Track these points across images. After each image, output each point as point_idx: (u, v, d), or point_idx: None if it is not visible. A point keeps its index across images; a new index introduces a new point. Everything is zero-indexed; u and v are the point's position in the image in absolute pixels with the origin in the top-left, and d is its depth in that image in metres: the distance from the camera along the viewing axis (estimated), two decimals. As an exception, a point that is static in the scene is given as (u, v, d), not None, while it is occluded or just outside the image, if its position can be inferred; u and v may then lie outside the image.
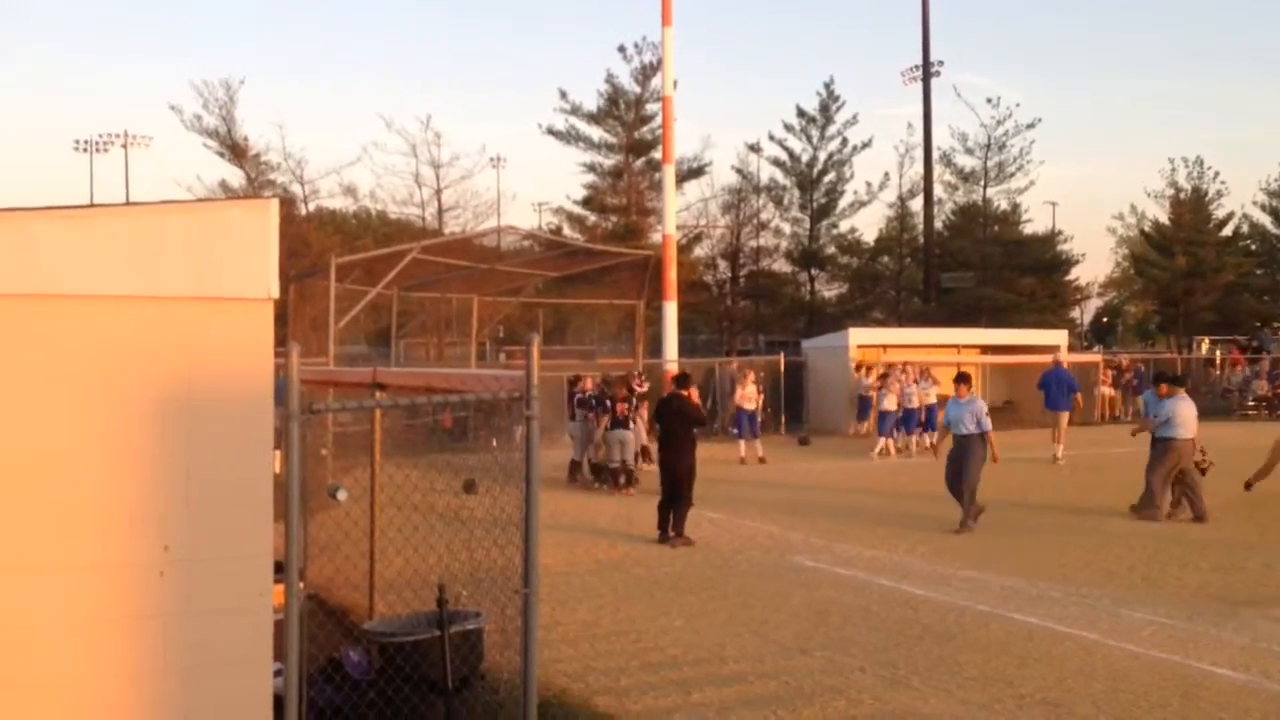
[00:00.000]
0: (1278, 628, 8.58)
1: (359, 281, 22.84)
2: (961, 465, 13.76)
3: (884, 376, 24.76)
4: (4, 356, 3.90)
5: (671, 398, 14.00)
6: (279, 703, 4.50)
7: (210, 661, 4.11)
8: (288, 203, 44.16)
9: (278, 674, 4.56)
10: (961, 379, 14.50)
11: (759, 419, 22.88)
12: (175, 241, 4.15)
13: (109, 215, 4.28)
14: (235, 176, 46.30)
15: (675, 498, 13.04)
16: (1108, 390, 32.94)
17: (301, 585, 4.76)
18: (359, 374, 9.06)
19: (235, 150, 46.09)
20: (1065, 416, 22.41)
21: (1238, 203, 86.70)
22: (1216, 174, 57.09)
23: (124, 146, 61.63)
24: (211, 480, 4.13)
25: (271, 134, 69.68)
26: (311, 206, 48.98)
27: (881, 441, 23.22)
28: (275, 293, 4.27)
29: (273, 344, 4.34)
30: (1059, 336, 36.21)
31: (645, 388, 19.80)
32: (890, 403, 23.41)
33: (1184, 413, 14.55)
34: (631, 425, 18.09)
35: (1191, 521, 14.10)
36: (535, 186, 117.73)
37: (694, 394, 14.48)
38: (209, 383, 4.15)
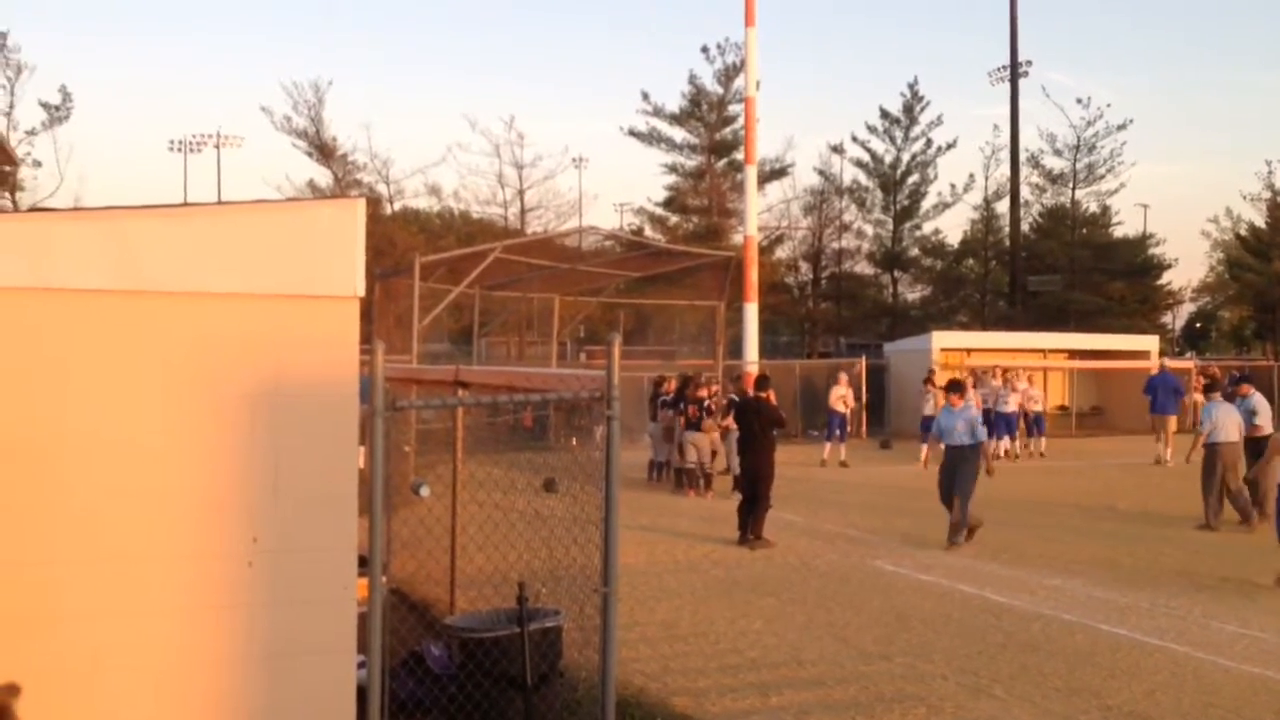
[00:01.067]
0: (1380, 645, 8.28)
1: (442, 280, 23.10)
2: (954, 477, 12.89)
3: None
4: (103, 351, 4.02)
5: (751, 399, 14.01)
6: (362, 693, 4.57)
7: (296, 651, 4.19)
8: (373, 202, 44.94)
9: (361, 665, 4.63)
10: (954, 387, 13.88)
11: (848, 423, 22.69)
12: (266, 240, 4.24)
13: (203, 214, 4.38)
14: (323, 176, 47.25)
15: (754, 499, 13.04)
16: (1200, 398, 32.05)
17: (384, 579, 4.83)
18: (442, 372, 9.16)
19: (323, 150, 47.01)
20: (1173, 420, 22.62)
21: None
22: (1316, 175, 55.33)
23: (217, 147, 63.03)
24: (299, 474, 4.21)
25: (358, 134, 71.13)
26: (397, 206, 49.83)
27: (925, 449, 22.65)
28: (361, 291, 4.33)
29: (358, 341, 4.40)
30: (1150, 342, 35.34)
31: (712, 391, 19.43)
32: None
33: (1219, 417, 14.52)
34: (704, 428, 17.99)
35: (1239, 524, 14.02)
36: (617, 187, 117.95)
37: (772, 396, 14.43)
38: (297, 379, 4.23)
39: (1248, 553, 12.20)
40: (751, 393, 14.44)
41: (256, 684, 4.16)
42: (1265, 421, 14.80)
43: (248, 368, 4.18)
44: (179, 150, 64.38)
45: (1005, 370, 24.69)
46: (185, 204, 4.80)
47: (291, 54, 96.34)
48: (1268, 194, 55.53)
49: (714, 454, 18.67)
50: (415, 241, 40.95)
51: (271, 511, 4.17)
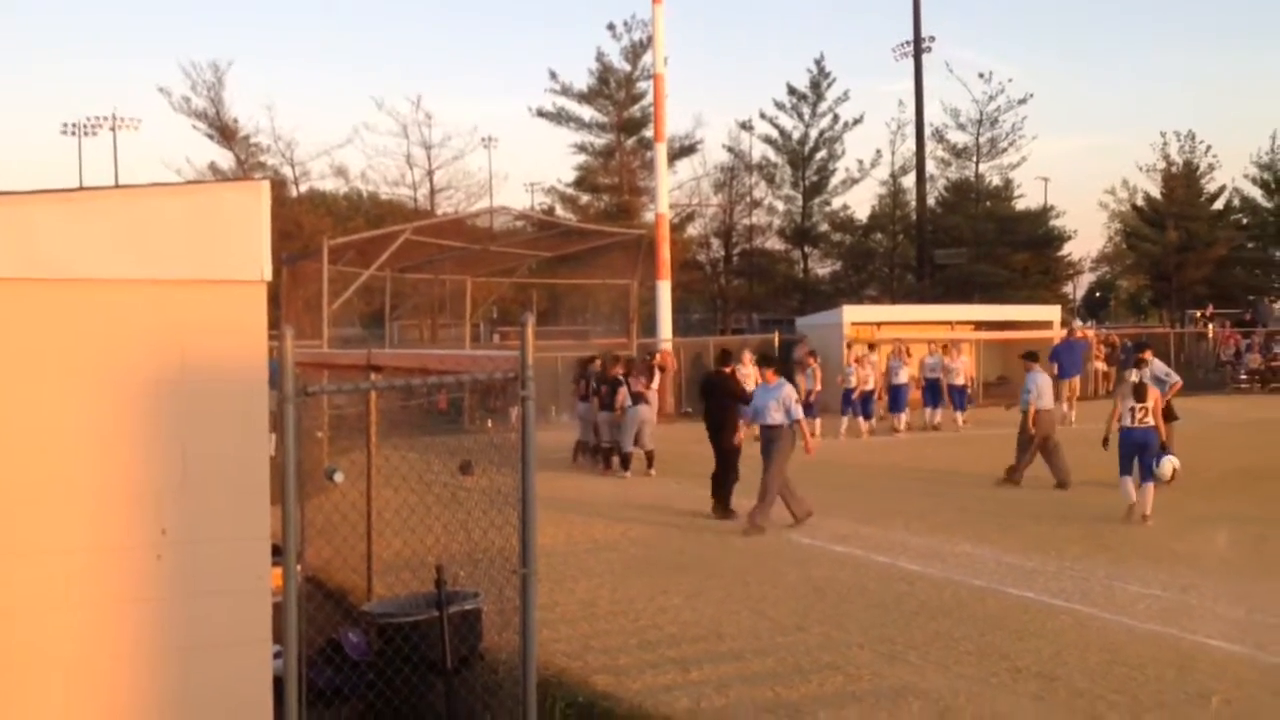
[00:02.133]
0: (1273, 600, 8.62)
1: (352, 263, 22.81)
2: (765, 458, 12.54)
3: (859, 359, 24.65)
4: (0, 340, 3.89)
5: (715, 375, 14.26)
6: (279, 684, 4.51)
7: (209, 644, 4.11)
8: (278, 185, 44.05)
9: (277, 656, 4.57)
10: (765, 361, 13.78)
11: None
12: (167, 224, 4.13)
13: (100, 198, 4.25)
14: (225, 159, 46.24)
15: (726, 469, 13.40)
16: (1101, 366, 32.97)
17: (299, 568, 4.75)
18: (353, 356, 9.06)
19: (224, 132, 45.97)
20: (1077, 383, 24.15)
21: (1229, 176, 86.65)
22: (1208, 148, 57.10)
23: (112, 129, 61.31)
24: (207, 463, 4.12)
25: (261, 116, 69.39)
26: (303, 188, 48.93)
27: (846, 421, 23.08)
28: (268, 275, 4.25)
29: (266, 327, 4.32)
30: (1052, 312, 36.24)
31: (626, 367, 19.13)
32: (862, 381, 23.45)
33: (1040, 386, 15.45)
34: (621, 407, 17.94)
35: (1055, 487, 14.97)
36: (527, 167, 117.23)
37: (735, 371, 14.66)
38: (203, 366, 4.14)
39: (1156, 515, 12.60)
40: (717, 368, 14.76)
41: (170, 677, 4.08)
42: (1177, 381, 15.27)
43: (151, 355, 4.08)
44: (72, 133, 62.49)
45: (899, 342, 25.26)
46: (82, 188, 4.66)
47: (189, 33, 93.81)
48: (1163, 165, 57.19)
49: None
50: (323, 224, 40.32)
51: (180, 502, 4.08)
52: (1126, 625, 8.03)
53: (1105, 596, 8.89)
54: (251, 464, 4.22)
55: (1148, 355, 15.35)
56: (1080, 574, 9.72)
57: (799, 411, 12.59)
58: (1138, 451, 12.56)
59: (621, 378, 17.99)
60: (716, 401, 13.88)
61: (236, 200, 4.25)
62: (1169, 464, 12.97)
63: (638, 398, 17.68)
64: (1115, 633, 7.83)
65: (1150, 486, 12.31)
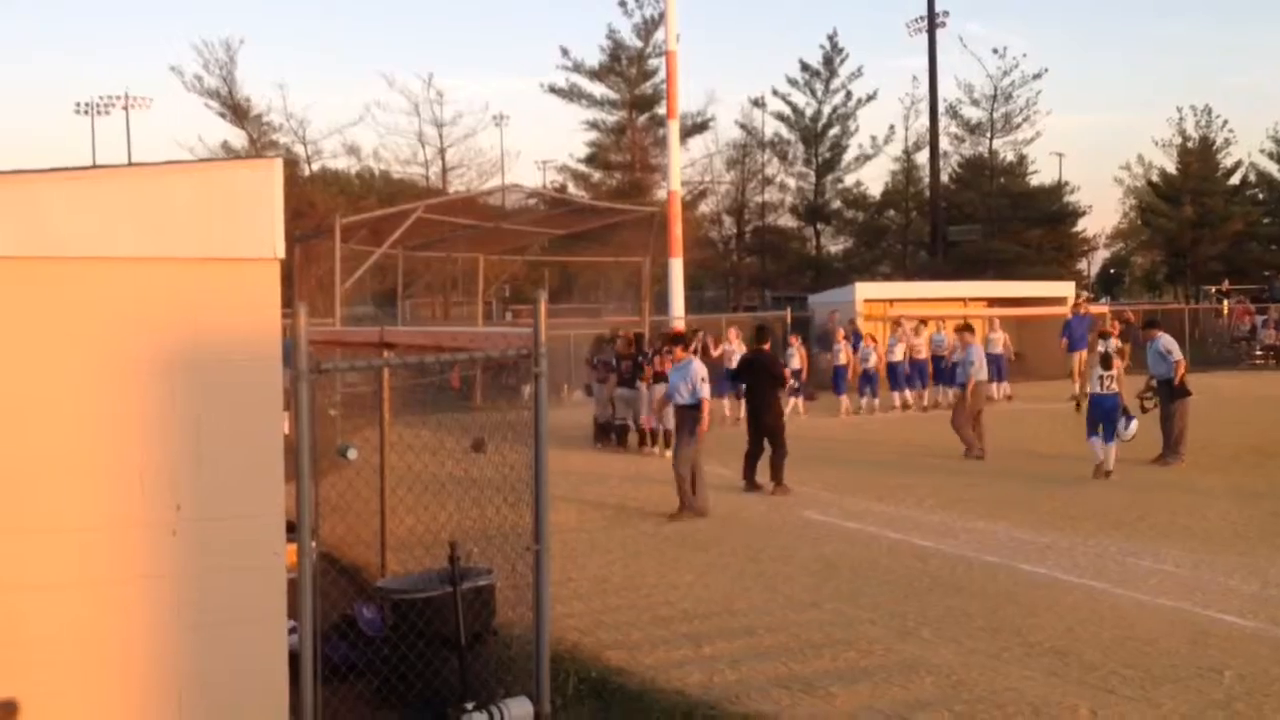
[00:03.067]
0: (1286, 575, 8.61)
1: (364, 242, 22.79)
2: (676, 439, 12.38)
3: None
4: (15, 319, 3.91)
5: (758, 353, 14.17)
6: (294, 659, 4.55)
7: (225, 620, 4.15)
8: (291, 164, 44.12)
9: (292, 631, 4.61)
10: (676, 339, 13.59)
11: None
12: (180, 202, 4.14)
13: (114, 176, 4.26)
14: (237, 138, 46.30)
15: (775, 448, 13.35)
16: (1115, 342, 32.86)
17: (314, 544, 4.79)
18: (366, 333, 9.08)
19: (237, 111, 46.03)
20: (1082, 355, 23.71)
21: (1245, 151, 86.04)
22: (1225, 122, 56.78)
23: (125, 108, 61.30)
24: (222, 440, 4.15)
25: (273, 94, 69.34)
26: (315, 167, 48.99)
27: (845, 400, 23.15)
28: (281, 253, 4.26)
29: (280, 304, 4.34)
30: (1066, 288, 36.08)
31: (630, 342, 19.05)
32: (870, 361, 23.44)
33: (979, 358, 16.21)
34: (639, 385, 17.95)
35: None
36: (539, 144, 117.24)
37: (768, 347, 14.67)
38: (218, 344, 4.16)
39: (1163, 491, 12.61)
40: (755, 346, 14.52)
41: (186, 653, 4.11)
42: (1177, 359, 15.16)
43: (166, 333, 4.10)
44: (86, 113, 62.55)
45: (900, 319, 25.28)
46: (96, 166, 4.67)
47: (201, 12, 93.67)
48: (1178, 140, 56.81)
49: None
50: (335, 203, 40.34)
51: (195, 479, 4.11)
52: (1139, 600, 8.03)
53: (1118, 572, 8.89)
54: (266, 441, 4.24)
55: (1154, 333, 15.33)
56: (1093, 550, 9.71)
57: (706, 391, 12.18)
58: (1104, 416, 13.69)
59: (648, 355, 17.97)
60: (757, 379, 13.82)
61: (249, 178, 4.27)
62: (1134, 426, 13.95)
63: (659, 376, 17.66)
64: (1128, 608, 7.83)
65: (1114, 446, 13.60)
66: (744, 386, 14.42)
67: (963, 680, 6.37)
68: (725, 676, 6.54)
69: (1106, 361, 13.78)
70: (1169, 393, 14.93)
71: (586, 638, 7.34)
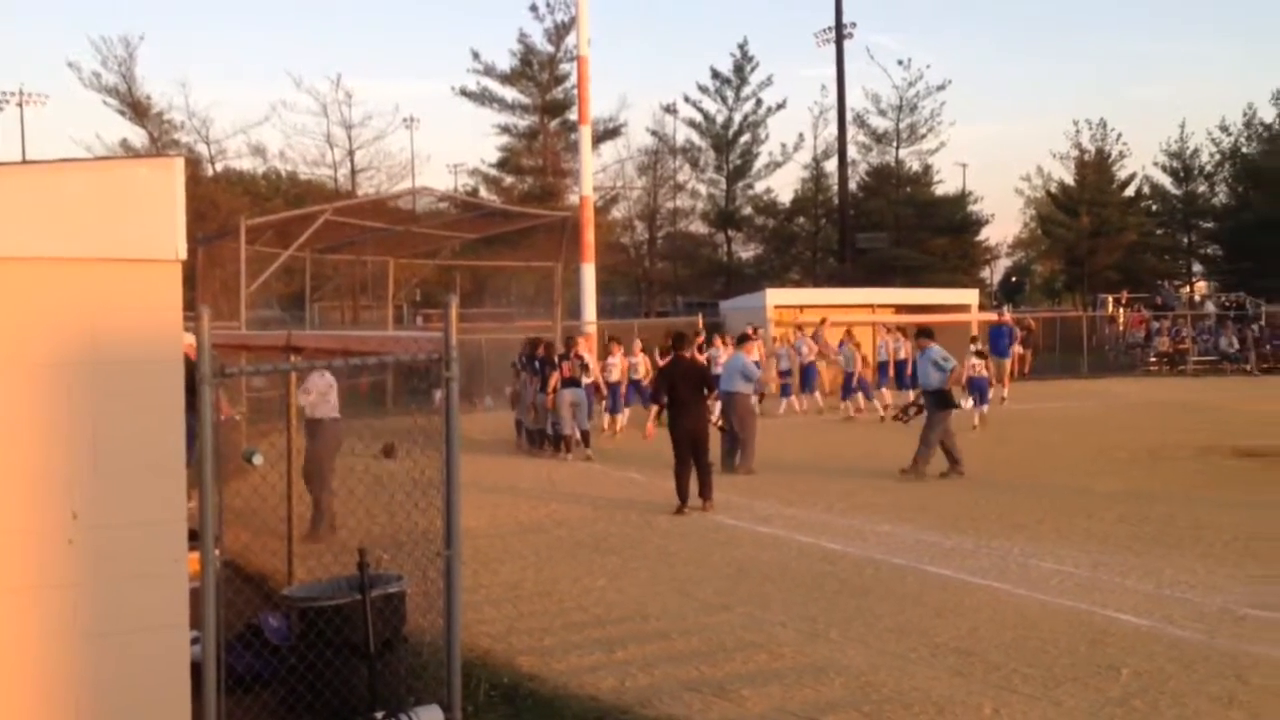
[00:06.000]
0: (1181, 575, 8.87)
1: (270, 244, 22.41)
2: None
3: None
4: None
5: (680, 360, 13.26)
6: (197, 670, 4.44)
7: (124, 629, 4.02)
8: (193, 163, 43.19)
9: (195, 642, 4.49)
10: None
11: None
12: (75, 200, 4.01)
13: (6, 174, 4.11)
14: (137, 136, 45.20)
15: (702, 461, 12.57)
16: (1018, 349, 33.71)
17: (217, 552, 4.67)
18: (273, 337, 8.91)
19: (136, 109, 44.92)
20: (1006, 363, 25.75)
21: (1139, 164, 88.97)
22: (1119, 136, 58.60)
23: (19, 105, 59.36)
24: (121, 446, 4.03)
25: (174, 92, 67.64)
26: (218, 167, 47.98)
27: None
28: (183, 254, 4.15)
29: (181, 307, 4.23)
30: (970, 296, 36.90)
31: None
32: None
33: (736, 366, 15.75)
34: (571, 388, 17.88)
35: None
36: (450, 148, 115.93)
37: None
38: (115, 347, 4.04)
39: (1064, 495, 12.93)
40: (675, 352, 13.58)
41: (84, 664, 3.98)
42: (951, 368, 15.13)
43: (61, 336, 3.96)
44: (-24, 109, 60.35)
45: (800, 327, 25.78)
46: (-14, 163, 4.50)
47: (99, 6, 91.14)
48: (1076, 153, 58.48)
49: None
50: (240, 204, 39.57)
51: (92, 485, 3.98)
52: (1040, 601, 8.21)
53: (1020, 573, 9.09)
54: (167, 446, 4.13)
55: (928, 343, 15.19)
56: (996, 552, 9.92)
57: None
58: (977, 389, 20.45)
59: (555, 360, 17.95)
60: (684, 387, 12.79)
61: (149, 177, 4.15)
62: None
63: (570, 381, 17.67)
64: (1030, 608, 8.01)
65: (984, 409, 20.27)
66: (665, 397, 13.12)
67: (871, 681, 6.45)
68: (638, 681, 6.54)
69: (980, 355, 21.13)
70: (937, 403, 14.73)
71: (499, 644, 7.29)
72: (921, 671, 6.62)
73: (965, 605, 8.12)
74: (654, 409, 14.07)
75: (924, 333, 15.75)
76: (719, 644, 7.28)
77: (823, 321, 26.02)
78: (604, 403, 20.75)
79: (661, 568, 9.62)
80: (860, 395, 23.70)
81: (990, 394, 21.51)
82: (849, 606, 8.14)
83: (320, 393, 10.20)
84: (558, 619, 8.00)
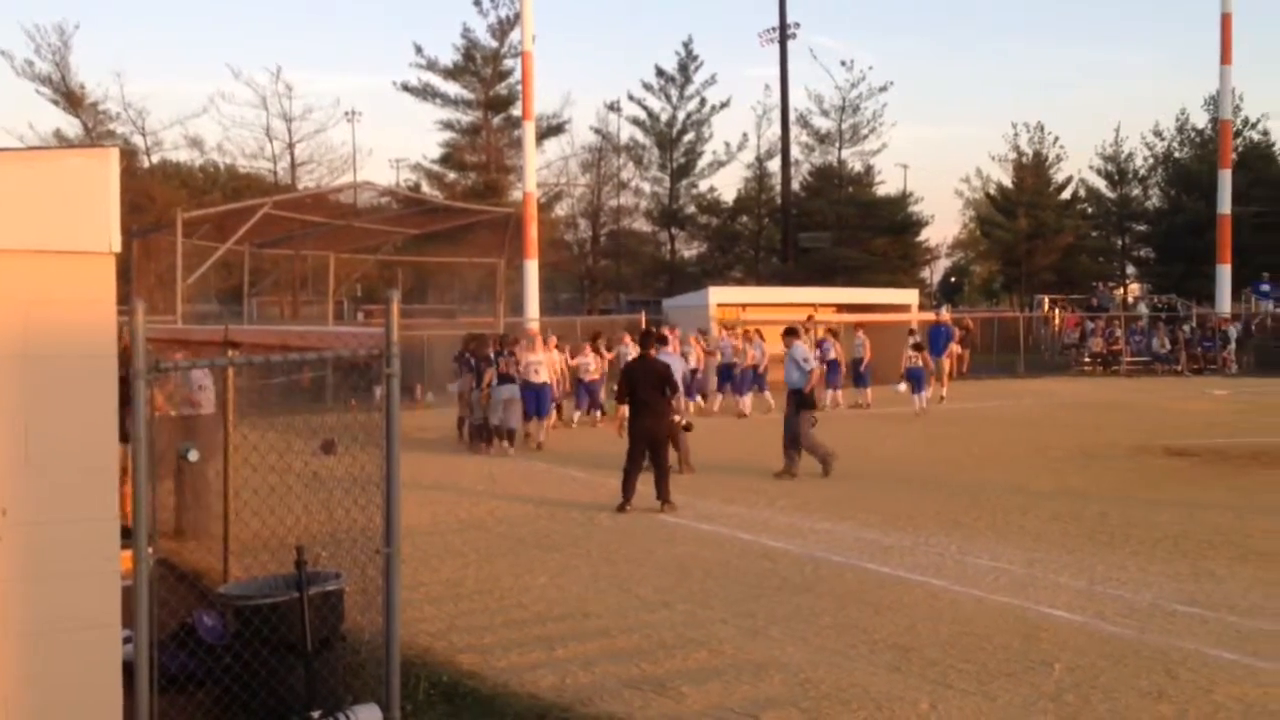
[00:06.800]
0: (1112, 572, 9.04)
1: (207, 237, 22.10)
2: None
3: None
4: None
5: (644, 360, 13.04)
6: (129, 669, 4.37)
7: (54, 628, 3.95)
8: (129, 155, 42.43)
9: (127, 641, 4.42)
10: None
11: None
12: (7, 191, 3.93)
13: (-67, 162, 4.02)
14: (71, 126, 44.37)
15: (659, 462, 12.41)
16: (956, 348, 34.17)
17: (151, 550, 4.60)
18: (209, 332, 8.78)
19: (70, 98, 44.05)
20: (946, 363, 26.19)
21: (1075, 167, 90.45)
22: (1056, 139, 59.59)
23: (-52, 93, 57.98)
24: (53, 441, 3.95)
25: (110, 82, 66.37)
26: (155, 159, 47.19)
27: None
28: (117, 247, 4.08)
29: (115, 300, 4.16)
30: (910, 295, 37.34)
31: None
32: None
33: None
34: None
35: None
36: (393, 143, 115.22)
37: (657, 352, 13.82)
38: (47, 340, 3.96)
39: (1000, 493, 13.11)
40: (640, 351, 13.42)
41: (13, 662, 3.90)
42: (811, 369, 15.08)
43: (-10, 328, 3.88)
44: (-97, 95, 58.86)
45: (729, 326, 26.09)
46: (-88, 151, 4.39)
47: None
48: (1014, 155, 59.39)
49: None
50: (176, 197, 38.93)
51: (22, 481, 3.90)
52: (977, 597, 8.33)
53: (957, 570, 9.20)
54: (99, 442, 4.06)
55: (792, 341, 15.16)
56: (934, 549, 10.04)
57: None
58: (914, 378, 22.96)
59: (491, 357, 17.91)
60: (647, 386, 12.56)
61: (83, 168, 4.07)
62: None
63: (505, 378, 17.64)
64: (966, 605, 8.12)
65: (924, 394, 22.83)
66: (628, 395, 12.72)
67: (810, 678, 6.50)
68: (578, 678, 6.53)
69: (917, 347, 23.31)
70: (798, 402, 14.71)
71: (439, 642, 7.24)
72: (860, 668, 6.68)
73: (904, 602, 8.21)
74: (620, 409, 13.95)
75: (790, 331, 15.65)
76: (660, 641, 7.29)
77: (809, 318, 26.58)
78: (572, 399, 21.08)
79: (603, 565, 9.62)
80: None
81: (929, 384, 23.85)
82: (789, 604, 8.20)
83: (205, 388, 10.24)
84: (498, 617, 7.97)
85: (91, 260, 4.04)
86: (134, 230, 22.25)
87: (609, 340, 23.07)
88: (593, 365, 21.47)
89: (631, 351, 20.11)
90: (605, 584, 8.92)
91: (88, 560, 4.01)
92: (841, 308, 33.59)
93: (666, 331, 19.97)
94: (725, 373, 24.21)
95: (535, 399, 18.42)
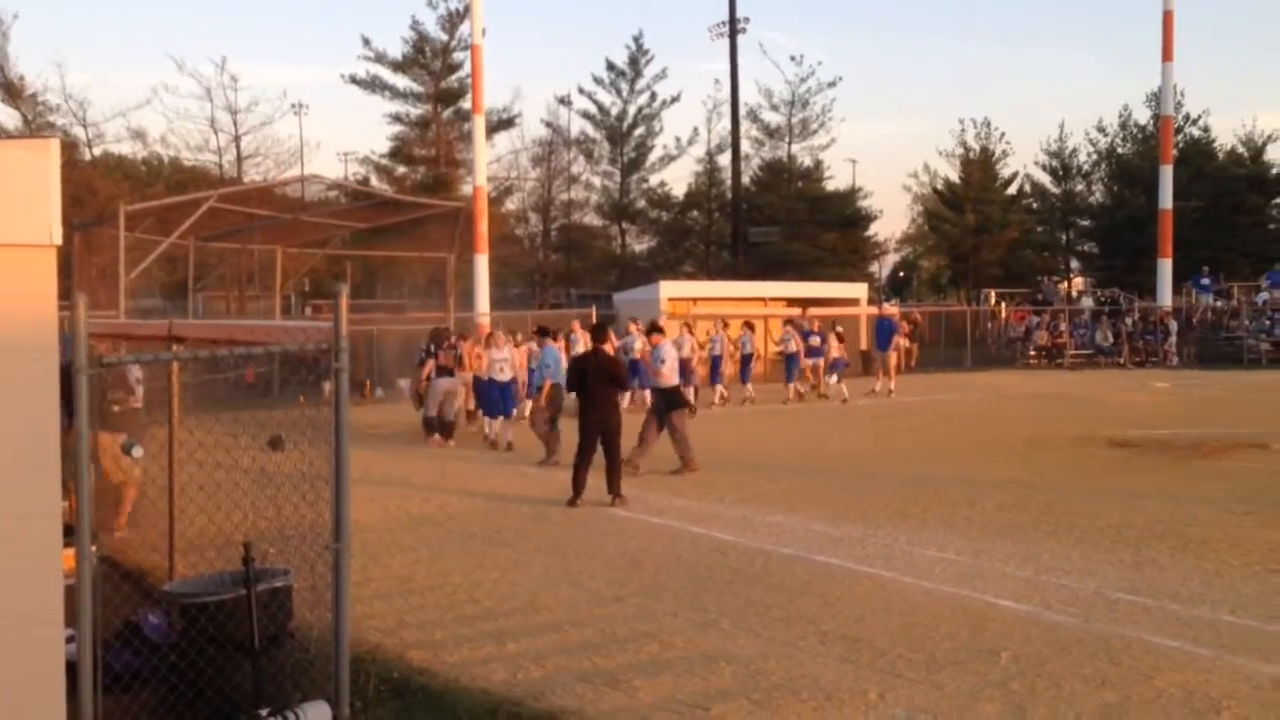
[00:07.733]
0: (1057, 561, 9.18)
1: (151, 231, 21.77)
2: None
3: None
4: None
5: (593, 354, 12.91)
6: (72, 669, 4.30)
7: (-5, 628, 3.88)
8: (70, 147, 41.71)
9: (70, 640, 4.35)
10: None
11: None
12: (-56, 182, 3.85)
13: None
14: (10, 118, 43.60)
15: (611, 455, 12.35)
16: (904, 342, 34.48)
17: (94, 547, 4.53)
18: (153, 326, 8.65)
19: (9, 90, 43.27)
20: (891, 356, 26.45)
21: (1021, 163, 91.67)
22: (1003, 135, 60.28)
23: (-118, 83, 56.55)
24: (-9, 438, 3.88)
25: (50, 73, 65.21)
26: (97, 151, 46.43)
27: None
28: (58, 240, 4.01)
29: (56, 294, 4.09)
30: (860, 290, 37.62)
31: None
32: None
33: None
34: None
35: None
36: (341, 136, 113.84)
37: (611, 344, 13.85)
38: (-14, 334, 3.88)
39: (946, 484, 13.26)
40: (591, 345, 13.25)
41: (-51, 666, 3.83)
42: (670, 372, 15.00)
43: (-74, 323, 3.80)
44: None
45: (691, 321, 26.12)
46: None
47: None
48: (961, 151, 60.01)
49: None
50: (119, 190, 38.36)
51: (-40, 479, 3.83)
52: (925, 588, 8.42)
53: (905, 561, 9.30)
54: (41, 438, 3.99)
55: (657, 339, 15.20)
56: (883, 540, 10.13)
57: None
58: (834, 369, 24.11)
59: (431, 350, 17.97)
60: (596, 381, 12.43)
61: (22, 159, 4.00)
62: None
63: (443, 370, 17.68)
64: (914, 595, 8.20)
65: (833, 379, 23.65)
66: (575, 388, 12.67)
67: (760, 669, 6.54)
68: (530, 673, 6.53)
69: (839, 338, 24.79)
70: (664, 400, 14.74)
71: (389, 638, 7.20)
72: (810, 659, 6.73)
73: (853, 593, 8.28)
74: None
75: (655, 328, 15.64)
76: (611, 635, 7.30)
77: (803, 312, 26.84)
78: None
79: (554, 560, 9.61)
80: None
81: (840, 372, 25.05)
82: (740, 596, 8.24)
83: (140, 382, 10.16)
84: (449, 612, 7.94)
85: (31, 253, 3.97)
86: (75, 223, 21.89)
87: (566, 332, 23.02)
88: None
89: (581, 340, 20.15)
90: (556, 578, 8.92)
91: (28, 557, 3.94)
92: (791, 302, 33.78)
93: (631, 326, 19.96)
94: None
95: (501, 398, 17.97)
